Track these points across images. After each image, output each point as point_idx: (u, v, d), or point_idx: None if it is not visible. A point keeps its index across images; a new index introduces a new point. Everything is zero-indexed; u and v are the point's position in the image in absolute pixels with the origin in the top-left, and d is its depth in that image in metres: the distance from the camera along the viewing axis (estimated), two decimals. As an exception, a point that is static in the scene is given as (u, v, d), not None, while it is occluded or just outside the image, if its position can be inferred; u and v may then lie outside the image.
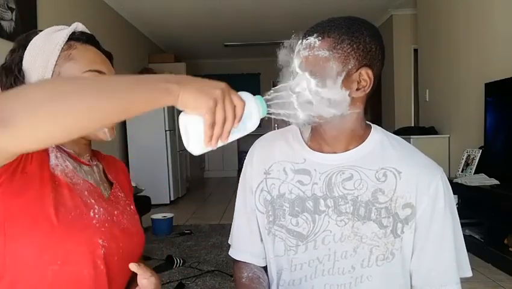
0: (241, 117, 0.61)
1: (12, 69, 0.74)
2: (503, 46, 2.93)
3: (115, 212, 0.80)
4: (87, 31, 0.81)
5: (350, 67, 0.77)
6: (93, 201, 0.75)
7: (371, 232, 0.81)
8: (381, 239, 0.81)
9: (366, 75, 0.78)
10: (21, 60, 0.75)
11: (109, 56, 0.84)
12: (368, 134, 0.86)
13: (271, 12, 5.19)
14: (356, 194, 0.82)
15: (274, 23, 5.63)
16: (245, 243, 0.94)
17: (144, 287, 0.75)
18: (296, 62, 0.79)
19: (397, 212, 0.81)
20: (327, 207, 0.83)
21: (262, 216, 0.90)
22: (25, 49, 0.75)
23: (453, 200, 0.85)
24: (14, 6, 2.82)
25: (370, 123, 0.89)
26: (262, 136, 0.98)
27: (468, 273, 0.85)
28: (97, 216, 0.73)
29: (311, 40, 0.77)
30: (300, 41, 0.80)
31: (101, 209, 0.75)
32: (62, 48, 0.75)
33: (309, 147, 0.88)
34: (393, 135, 0.90)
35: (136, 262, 0.73)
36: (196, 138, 0.61)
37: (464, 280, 0.84)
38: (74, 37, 0.77)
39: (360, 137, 0.85)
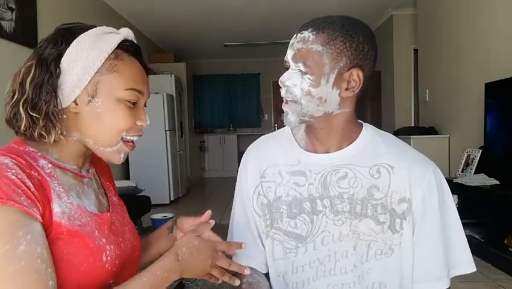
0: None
1: (48, 64, 0.68)
2: (504, 46, 2.93)
3: (120, 234, 0.77)
4: (134, 40, 0.76)
5: (341, 64, 0.77)
6: (104, 241, 0.70)
7: (368, 228, 0.81)
8: (378, 234, 0.81)
9: (356, 76, 0.78)
10: (61, 56, 0.69)
11: (148, 72, 0.79)
12: (360, 132, 0.87)
13: (271, 12, 5.19)
14: (351, 192, 0.82)
15: (274, 23, 5.63)
16: (248, 248, 0.91)
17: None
18: (289, 54, 0.81)
19: (393, 207, 0.81)
20: (324, 207, 0.83)
21: (260, 219, 0.90)
22: (69, 45, 0.69)
23: (448, 194, 0.84)
24: (14, 6, 2.82)
25: (362, 122, 0.90)
26: (255, 141, 0.98)
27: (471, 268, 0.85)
28: (109, 258, 0.69)
29: (306, 34, 0.78)
30: (295, 35, 0.81)
31: (111, 246, 0.71)
32: (109, 56, 0.70)
33: (303, 148, 0.88)
34: (383, 132, 0.91)
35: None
36: None
37: (464, 280, 0.84)
38: (122, 46, 0.72)
39: (352, 136, 0.86)
